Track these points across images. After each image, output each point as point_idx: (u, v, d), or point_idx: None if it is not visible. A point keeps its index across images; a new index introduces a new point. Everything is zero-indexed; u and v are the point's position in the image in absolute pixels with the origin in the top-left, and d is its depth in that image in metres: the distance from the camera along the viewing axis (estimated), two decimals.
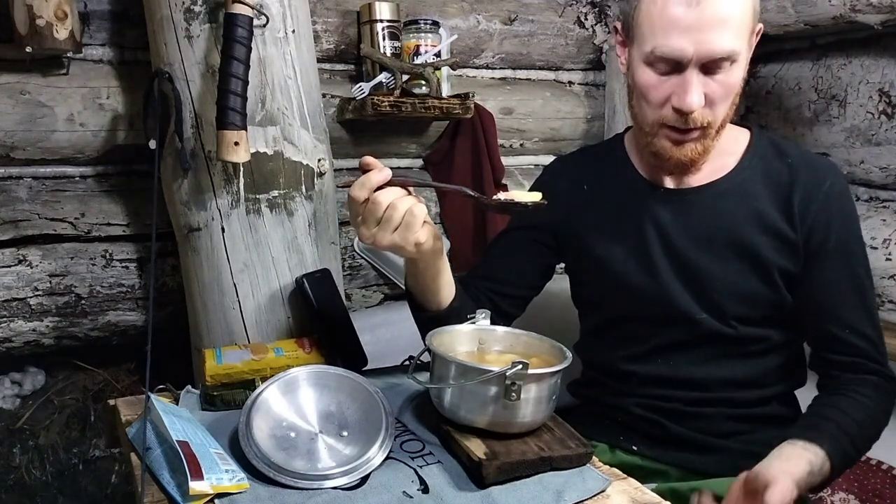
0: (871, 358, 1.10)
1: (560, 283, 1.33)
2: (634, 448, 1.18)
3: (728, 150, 1.15)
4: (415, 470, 0.89)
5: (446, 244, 1.98)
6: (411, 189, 0.98)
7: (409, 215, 0.94)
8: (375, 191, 0.94)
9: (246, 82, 1.20)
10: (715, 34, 0.99)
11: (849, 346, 1.11)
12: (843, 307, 1.11)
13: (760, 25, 1.07)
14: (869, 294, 1.12)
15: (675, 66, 1.02)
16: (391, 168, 0.96)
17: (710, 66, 1.01)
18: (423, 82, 1.79)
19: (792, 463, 0.97)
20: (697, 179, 1.15)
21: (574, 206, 1.23)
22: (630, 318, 1.19)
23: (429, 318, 1.11)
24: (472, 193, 1.00)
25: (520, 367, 0.88)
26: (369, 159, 0.97)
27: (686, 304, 1.13)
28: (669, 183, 1.17)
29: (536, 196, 0.99)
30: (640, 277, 1.16)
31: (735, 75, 1.03)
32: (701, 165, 1.12)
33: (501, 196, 0.99)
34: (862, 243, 1.14)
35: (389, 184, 0.95)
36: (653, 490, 0.90)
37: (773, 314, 1.14)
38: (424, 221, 0.96)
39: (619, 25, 1.12)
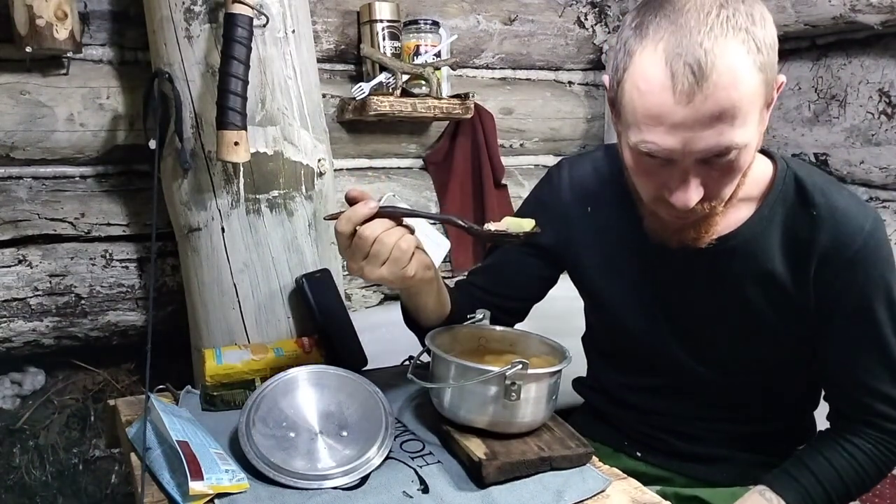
0: (889, 419, 1.02)
1: (562, 285, 1.33)
2: (638, 454, 1.17)
3: (744, 195, 0.96)
4: (415, 470, 0.89)
5: (446, 245, 1.97)
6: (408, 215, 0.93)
7: (397, 250, 0.90)
8: (362, 223, 0.90)
9: (246, 82, 1.20)
10: (711, 131, 0.80)
11: (867, 408, 1.02)
12: (863, 373, 1.00)
13: (782, 79, 0.88)
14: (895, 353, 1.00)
15: (665, 161, 0.86)
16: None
17: (709, 159, 0.84)
18: (423, 82, 1.79)
19: None
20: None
21: (575, 226, 1.13)
22: (627, 353, 1.16)
23: (424, 331, 1.08)
24: (464, 223, 0.97)
25: (520, 367, 0.88)
26: (355, 192, 0.92)
27: (683, 359, 1.08)
28: (673, 241, 0.99)
29: (529, 224, 0.97)
30: (636, 325, 1.10)
31: (743, 160, 0.86)
32: (706, 238, 0.97)
33: (492, 227, 0.97)
34: (894, 303, 0.98)
35: (378, 215, 0.91)
36: (656, 493, 0.90)
37: (780, 368, 1.08)
38: (413, 253, 0.92)
39: (606, 80, 0.93)
